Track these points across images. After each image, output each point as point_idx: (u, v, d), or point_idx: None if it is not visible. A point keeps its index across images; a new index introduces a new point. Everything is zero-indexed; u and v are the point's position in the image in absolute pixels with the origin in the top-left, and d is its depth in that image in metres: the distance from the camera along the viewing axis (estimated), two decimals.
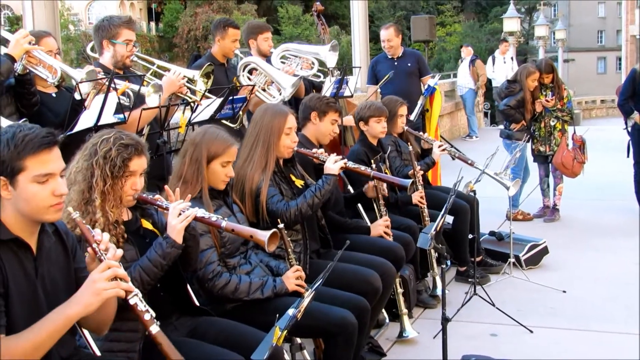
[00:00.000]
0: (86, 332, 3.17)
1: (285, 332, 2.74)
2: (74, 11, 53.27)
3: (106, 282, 2.67)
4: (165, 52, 57.55)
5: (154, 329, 2.77)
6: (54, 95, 4.78)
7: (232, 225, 3.44)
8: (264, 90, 6.24)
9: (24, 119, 4.19)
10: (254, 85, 5.96)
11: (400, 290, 5.44)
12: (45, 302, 2.74)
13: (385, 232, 5.38)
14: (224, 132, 4.09)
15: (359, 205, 5.74)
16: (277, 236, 3.48)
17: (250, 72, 6.33)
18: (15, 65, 4.24)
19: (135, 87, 4.69)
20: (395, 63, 8.71)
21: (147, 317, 2.77)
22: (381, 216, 5.50)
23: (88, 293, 2.67)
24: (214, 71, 6.08)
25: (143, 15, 65.23)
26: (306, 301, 2.99)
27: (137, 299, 2.77)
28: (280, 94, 6.17)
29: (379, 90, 8.64)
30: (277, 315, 2.83)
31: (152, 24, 64.62)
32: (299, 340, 4.02)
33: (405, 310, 5.44)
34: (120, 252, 2.80)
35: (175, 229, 3.33)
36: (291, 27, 55.40)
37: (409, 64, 8.72)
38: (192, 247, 3.51)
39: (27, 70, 4.33)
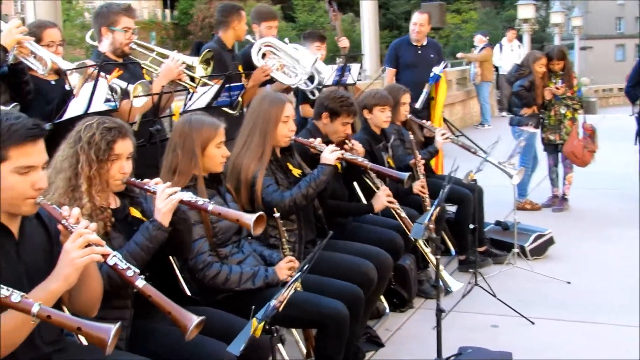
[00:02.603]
0: None
1: (263, 323, 2.72)
2: None
3: (79, 250, 2.67)
4: (179, 39, 57.69)
5: (140, 283, 2.77)
6: (52, 82, 4.76)
7: (218, 209, 3.43)
8: (277, 70, 6.27)
9: (15, 104, 4.19)
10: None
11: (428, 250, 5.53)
12: (28, 286, 2.72)
13: (389, 202, 5.34)
14: (207, 116, 4.09)
15: (356, 185, 5.71)
16: (264, 219, 3.44)
17: (264, 55, 6.34)
18: (8, 56, 4.22)
19: (123, 83, 4.66)
20: (419, 52, 8.65)
21: (129, 273, 2.77)
22: (378, 188, 5.43)
23: (64, 265, 2.68)
24: (223, 57, 6.12)
25: (158, 3, 65.36)
26: (287, 291, 2.96)
27: (116, 259, 2.78)
28: (296, 75, 6.21)
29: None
30: (253, 307, 2.80)
31: (167, 11, 64.72)
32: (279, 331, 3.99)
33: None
34: (93, 225, 2.78)
35: (162, 212, 3.32)
36: (306, 14, 55.38)
37: (432, 55, 8.66)
38: (182, 231, 3.49)
39: (19, 60, 4.31)
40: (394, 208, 5.37)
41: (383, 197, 5.33)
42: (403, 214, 5.42)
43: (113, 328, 2.34)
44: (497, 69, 18.35)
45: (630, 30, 66.60)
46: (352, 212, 5.36)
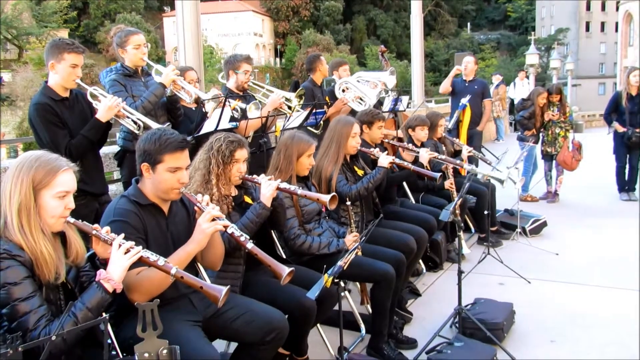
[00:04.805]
0: (203, 271, 3.24)
1: (332, 278, 2.72)
2: (225, 50, 54.35)
3: (208, 222, 2.76)
4: (285, 79, 58.22)
5: (249, 245, 2.82)
6: (193, 109, 4.87)
7: (304, 192, 3.45)
8: (352, 100, 6.27)
9: (169, 124, 4.29)
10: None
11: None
12: (173, 248, 2.83)
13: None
14: (306, 135, 4.06)
15: (405, 185, 5.62)
16: (336, 199, 3.46)
17: (343, 90, 6.35)
18: (166, 90, 4.33)
19: (243, 105, 4.72)
20: (466, 85, 8.36)
21: (242, 239, 2.83)
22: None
23: (197, 233, 2.77)
24: (314, 91, 6.17)
25: (271, 53, 66.08)
26: (350, 255, 2.95)
27: (233, 229, 2.84)
28: (365, 104, 6.16)
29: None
30: (325, 266, 2.79)
31: (277, 59, 65.39)
32: (342, 283, 3.97)
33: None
34: (217, 208, 2.84)
35: (265, 196, 3.36)
36: (374, 61, 55.16)
37: (476, 87, 8.32)
38: (279, 212, 3.52)
39: (174, 94, 4.41)
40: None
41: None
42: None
43: (224, 290, 2.38)
44: (512, 100, 17.88)
45: (609, 72, 64.23)
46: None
